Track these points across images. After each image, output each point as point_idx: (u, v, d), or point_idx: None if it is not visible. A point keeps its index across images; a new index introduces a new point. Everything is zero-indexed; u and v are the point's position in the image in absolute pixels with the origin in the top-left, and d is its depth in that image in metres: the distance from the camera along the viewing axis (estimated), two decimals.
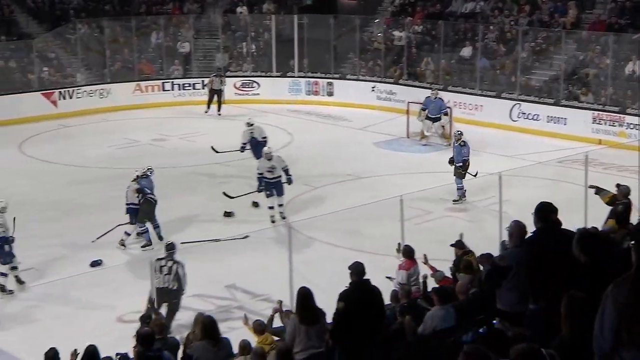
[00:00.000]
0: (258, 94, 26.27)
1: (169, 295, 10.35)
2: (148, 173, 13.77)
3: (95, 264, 12.72)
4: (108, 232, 13.77)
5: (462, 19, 25.43)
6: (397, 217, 11.48)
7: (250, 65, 27.01)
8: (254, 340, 8.10)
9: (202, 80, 25.41)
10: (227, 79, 25.41)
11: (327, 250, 13.24)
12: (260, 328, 8.25)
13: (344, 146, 20.65)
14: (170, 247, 10.61)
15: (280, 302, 8.90)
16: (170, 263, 10.42)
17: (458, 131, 16.03)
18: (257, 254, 13.02)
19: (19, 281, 11.84)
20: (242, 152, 16.77)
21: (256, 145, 17.20)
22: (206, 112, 23.87)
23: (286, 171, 14.64)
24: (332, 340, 6.97)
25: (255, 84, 26.47)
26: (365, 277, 7.29)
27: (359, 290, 7.13)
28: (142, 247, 13.47)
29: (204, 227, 14.35)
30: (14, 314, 11.16)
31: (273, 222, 14.39)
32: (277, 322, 8.80)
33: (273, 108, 24.82)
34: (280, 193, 14.66)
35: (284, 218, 14.37)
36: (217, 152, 16.43)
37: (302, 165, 17.88)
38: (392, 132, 21.75)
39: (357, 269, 7.33)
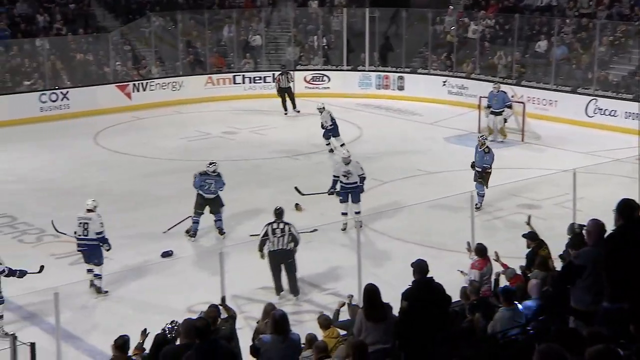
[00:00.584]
0: (328, 87, 26.30)
1: (286, 255, 11.06)
2: (207, 169, 13.61)
3: (166, 254, 12.85)
4: (179, 223, 13.94)
5: (538, 12, 24.92)
6: (467, 213, 11.48)
7: (320, 59, 27.08)
8: (320, 334, 8.09)
9: (273, 74, 25.34)
10: (297, 72, 25.56)
11: (395, 245, 13.16)
12: (325, 322, 8.21)
13: (414, 141, 20.55)
14: (279, 210, 11.36)
15: (351, 297, 8.89)
16: (282, 225, 11.15)
17: (482, 135, 15.32)
18: (325, 248, 13.03)
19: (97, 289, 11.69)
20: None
21: (325, 130, 18.80)
22: (285, 113, 23.17)
23: (362, 179, 13.77)
24: (397, 339, 6.93)
25: (325, 78, 26.56)
26: (429, 275, 7.22)
27: (422, 289, 7.08)
28: (185, 231, 13.61)
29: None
30: (85, 301, 11.35)
31: (343, 229, 13.59)
32: (344, 316, 8.77)
33: (343, 102, 24.86)
34: (355, 199, 13.75)
35: (360, 227, 12.80)
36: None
37: (371, 160, 17.87)
38: (463, 127, 21.51)
39: (419, 267, 7.27)
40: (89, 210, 11.43)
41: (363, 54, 26.57)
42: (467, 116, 22.27)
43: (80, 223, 11.38)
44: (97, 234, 11.19)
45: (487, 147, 14.75)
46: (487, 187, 14.46)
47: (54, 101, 23.22)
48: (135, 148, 19.76)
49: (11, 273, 10.39)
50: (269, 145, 19.98)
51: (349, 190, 13.60)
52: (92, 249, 11.36)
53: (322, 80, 26.49)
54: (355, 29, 27.08)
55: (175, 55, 26.35)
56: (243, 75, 26.38)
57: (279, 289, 11.37)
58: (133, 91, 24.59)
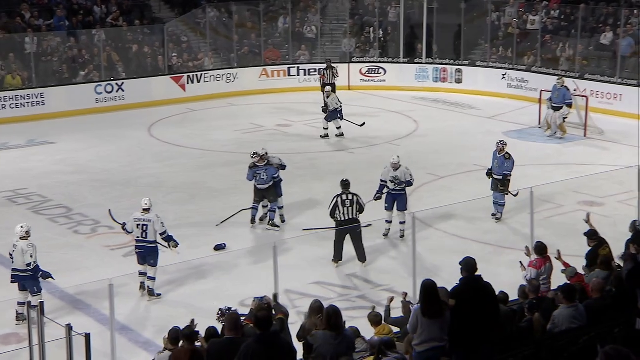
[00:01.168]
0: (384, 80, 26.25)
1: (354, 225, 11.81)
2: (253, 161, 13.67)
3: (220, 247, 12.90)
4: (232, 216, 14.02)
5: (604, 3, 24.48)
6: (526, 210, 11.42)
7: (377, 51, 26.95)
8: (371, 330, 8.09)
9: (318, 69, 24.86)
10: (352, 64, 25.59)
11: (451, 241, 13.09)
12: (376, 319, 8.21)
13: (472, 135, 20.35)
14: (346, 182, 12.06)
15: (405, 294, 8.90)
16: (350, 196, 11.90)
17: (501, 141, 14.36)
18: (379, 243, 13.01)
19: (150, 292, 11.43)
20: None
21: (332, 112, 19.52)
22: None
23: (409, 183, 13.20)
24: (448, 337, 6.94)
25: (381, 70, 26.45)
26: (483, 273, 7.20)
27: (470, 287, 7.05)
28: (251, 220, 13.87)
29: (325, 214, 14.38)
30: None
31: (385, 235, 13.20)
32: (397, 313, 8.75)
33: (399, 95, 24.81)
34: (402, 207, 13.14)
35: (402, 237, 13.07)
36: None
37: (428, 154, 17.90)
38: (522, 122, 21.33)
39: (467, 265, 7.24)
40: (145, 210, 11.25)
41: (420, 45, 26.48)
42: (527, 110, 22.04)
43: (139, 225, 11.21)
44: (161, 234, 11.07)
45: (507, 153, 14.03)
46: (510, 194, 13.67)
47: (109, 92, 23.51)
48: (189, 140, 19.91)
49: (36, 271, 10.33)
50: (324, 139, 20.00)
51: (396, 196, 13.14)
52: (150, 251, 11.25)
53: (377, 73, 26.40)
54: (412, 21, 26.95)
55: (230, 47, 26.53)
56: (298, 67, 26.38)
57: (338, 257, 12.04)
58: (187, 83, 24.76)
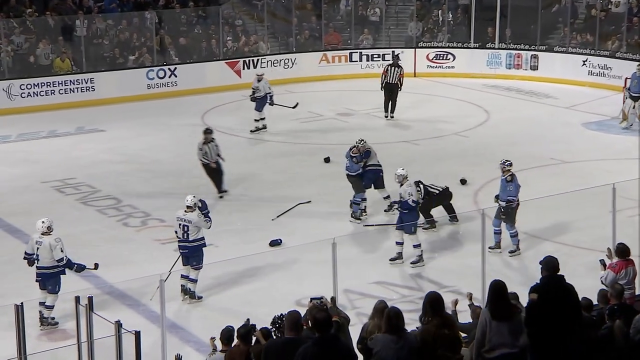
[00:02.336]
0: (453, 66, 26.13)
1: (443, 196, 13.44)
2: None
3: (275, 243, 12.95)
4: (289, 210, 14.14)
5: None
6: (607, 208, 11.15)
7: (445, 35, 26.75)
8: None
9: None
10: (418, 49, 25.54)
11: (523, 240, 12.97)
12: None
13: (548, 127, 20.25)
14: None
15: (470, 295, 8.83)
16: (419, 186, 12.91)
17: (505, 161, 12.94)
18: (445, 242, 13.00)
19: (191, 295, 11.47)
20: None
21: (261, 99, 19.44)
22: (386, 117, 20.99)
23: (407, 205, 12.37)
24: (527, 337, 6.90)
25: (450, 56, 26.29)
26: (559, 274, 7.15)
27: (551, 286, 7.03)
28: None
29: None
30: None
31: (393, 259, 12.39)
32: (465, 318, 8.65)
33: (469, 82, 24.67)
34: (407, 230, 12.33)
35: (414, 263, 12.33)
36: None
37: (499, 146, 17.77)
38: (604, 112, 21.06)
39: (548, 264, 7.21)
40: (189, 208, 11.19)
41: (492, 29, 26.23)
42: (610, 100, 21.82)
43: (180, 224, 11.21)
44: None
45: (510, 174, 12.67)
46: (513, 224, 12.60)
47: (161, 78, 23.75)
48: (245, 128, 19.91)
49: (69, 265, 10.46)
50: (386, 129, 19.99)
51: (402, 215, 12.52)
52: (194, 251, 11.21)
53: (446, 59, 26.25)
54: (484, 2, 26.56)
55: (288, 31, 26.54)
56: (360, 52, 26.33)
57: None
58: (243, 68, 24.77)
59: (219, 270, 11.64)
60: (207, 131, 15.41)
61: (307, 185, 14.34)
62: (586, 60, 24.48)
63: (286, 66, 25.58)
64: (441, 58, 26.31)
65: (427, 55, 26.22)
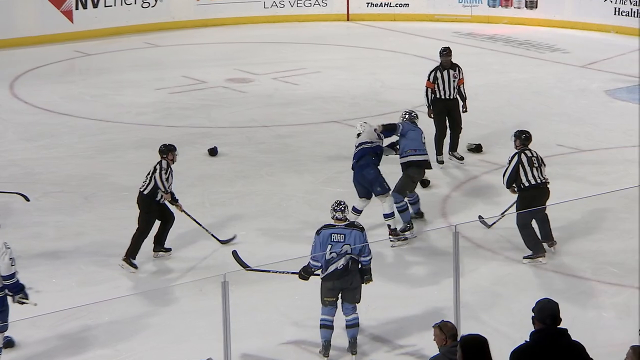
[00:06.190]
0: (407, 4, 25.75)
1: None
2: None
3: (227, 241, 12.80)
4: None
5: None
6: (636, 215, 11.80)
7: None
8: None
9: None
10: None
11: (516, 270, 12.29)
12: None
13: (553, 96, 19.43)
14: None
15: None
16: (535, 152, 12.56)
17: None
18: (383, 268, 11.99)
19: None
20: None
21: None
22: (440, 161, 16.35)
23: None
24: None
25: None
26: (562, 326, 7.13)
27: (545, 347, 7.03)
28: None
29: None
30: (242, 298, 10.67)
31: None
32: None
33: (431, 29, 24.58)
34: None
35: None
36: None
37: (479, 128, 16.91)
38: (638, 73, 20.35)
39: (543, 312, 7.15)
40: None
41: None
42: None
43: None
44: (5, 278, 10.25)
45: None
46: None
47: None
48: (80, 104, 19.03)
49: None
50: (306, 103, 19.07)
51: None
52: None
53: None
54: None
55: None
56: None
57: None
58: (77, 8, 23.88)
59: (42, 332, 10.70)
60: None
61: (186, 190, 13.48)
62: None
63: (145, 3, 24.72)
64: None
65: None
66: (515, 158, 12.17)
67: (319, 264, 10.23)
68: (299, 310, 11.20)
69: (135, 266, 12.17)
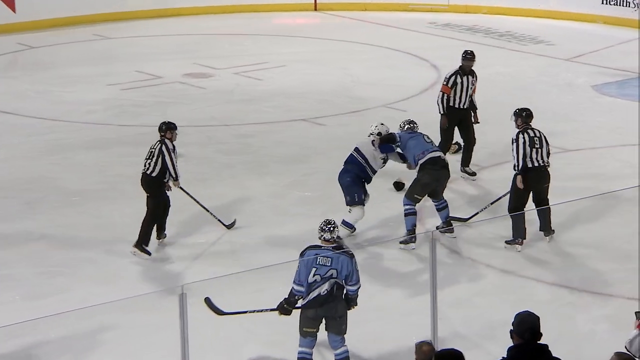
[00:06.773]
0: None
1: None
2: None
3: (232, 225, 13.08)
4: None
5: None
6: (632, 224, 11.92)
7: None
8: None
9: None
10: None
11: (496, 278, 12.26)
12: None
13: (537, 91, 19.28)
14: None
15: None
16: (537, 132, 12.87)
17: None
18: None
19: None
20: None
21: None
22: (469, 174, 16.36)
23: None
24: None
25: None
26: (541, 342, 7.16)
27: None
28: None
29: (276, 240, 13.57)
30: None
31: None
32: None
33: (403, 19, 24.63)
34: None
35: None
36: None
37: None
38: (627, 67, 20.37)
39: (522, 325, 7.19)
40: None
41: None
42: (636, 45, 21.63)
43: None
44: None
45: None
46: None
47: None
48: (23, 101, 18.83)
49: None
50: (271, 99, 18.86)
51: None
52: None
53: None
54: None
55: None
56: None
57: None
58: None
59: None
60: None
61: (139, 196, 12.81)
62: None
63: None
64: None
65: None
66: (520, 138, 12.27)
67: (304, 290, 9.71)
68: (264, 326, 10.77)
69: (148, 252, 12.11)
